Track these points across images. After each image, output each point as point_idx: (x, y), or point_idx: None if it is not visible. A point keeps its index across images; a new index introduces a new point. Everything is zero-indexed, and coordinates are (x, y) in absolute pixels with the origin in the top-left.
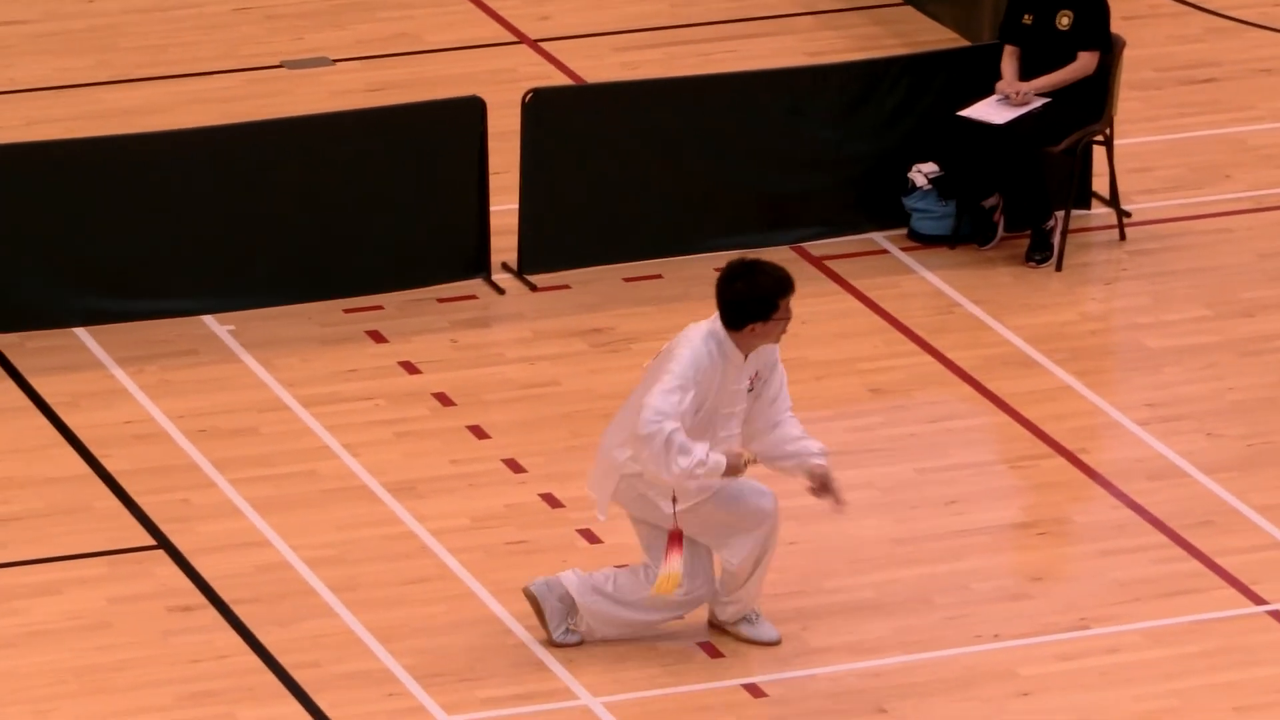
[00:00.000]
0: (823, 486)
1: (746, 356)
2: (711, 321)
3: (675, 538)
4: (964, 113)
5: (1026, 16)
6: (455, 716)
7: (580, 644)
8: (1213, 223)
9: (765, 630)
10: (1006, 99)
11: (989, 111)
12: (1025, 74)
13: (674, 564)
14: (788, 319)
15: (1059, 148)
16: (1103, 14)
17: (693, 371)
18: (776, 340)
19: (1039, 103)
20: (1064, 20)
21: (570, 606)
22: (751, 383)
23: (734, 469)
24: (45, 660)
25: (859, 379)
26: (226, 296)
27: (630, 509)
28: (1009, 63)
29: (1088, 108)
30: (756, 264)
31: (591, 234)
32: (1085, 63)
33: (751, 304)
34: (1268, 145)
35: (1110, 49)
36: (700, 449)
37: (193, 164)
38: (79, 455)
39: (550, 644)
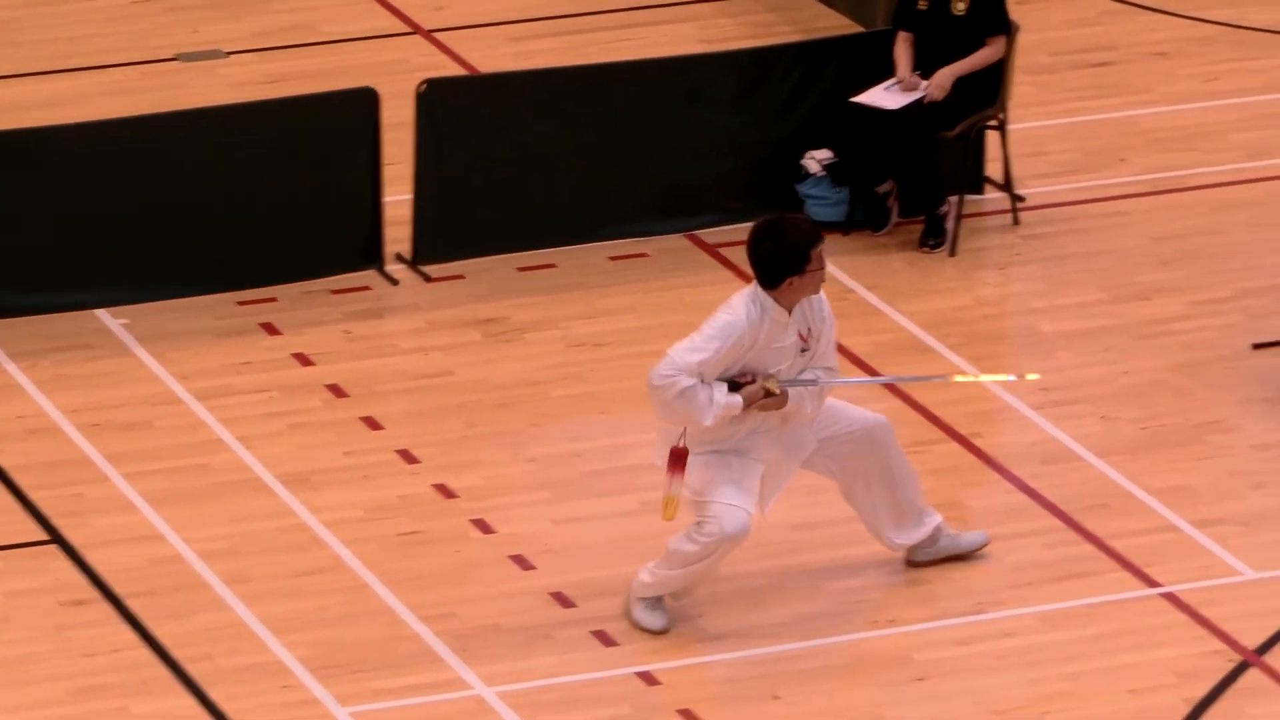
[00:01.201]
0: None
1: (790, 312)
2: (753, 285)
3: (676, 458)
4: (857, 99)
5: (922, 2)
6: (350, 708)
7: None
8: (1107, 206)
9: (655, 618)
10: (898, 84)
11: (882, 97)
12: (920, 60)
13: (674, 487)
14: (823, 268)
15: (952, 133)
16: None
17: (723, 334)
18: (817, 290)
19: (927, 84)
20: (960, 5)
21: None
22: (804, 340)
23: (753, 399)
24: None
25: None
26: (120, 290)
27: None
28: (903, 49)
29: (981, 93)
30: (781, 220)
31: (485, 224)
32: (995, 48)
33: (784, 260)
34: (1162, 128)
35: (1009, 31)
36: (715, 391)
37: (86, 158)
38: None
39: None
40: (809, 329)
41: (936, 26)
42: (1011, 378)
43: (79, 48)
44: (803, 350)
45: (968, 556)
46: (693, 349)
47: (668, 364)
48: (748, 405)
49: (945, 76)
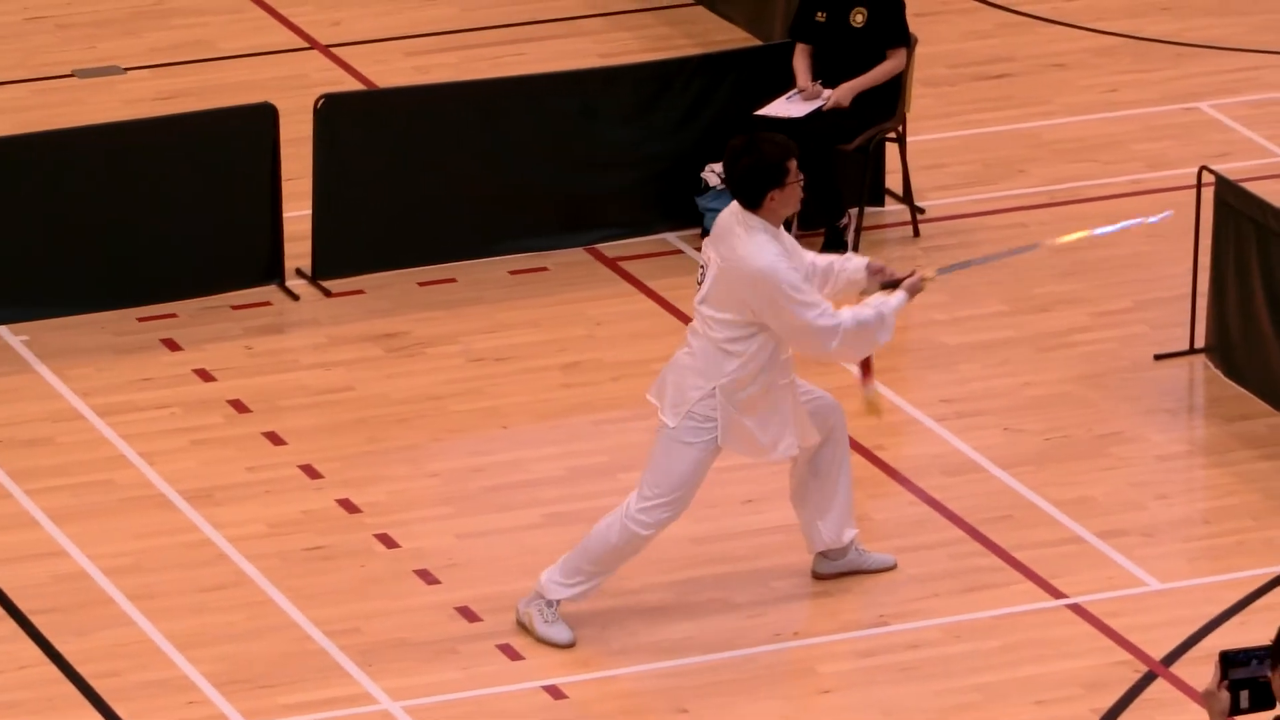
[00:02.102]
0: (882, 271)
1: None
2: (735, 214)
3: (865, 367)
4: (761, 112)
5: (820, 14)
6: None
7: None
8: (1007, 218)
9: (559, 632)
10: (800, 94)
11: (785, 107)
12: (819, 72)
13: (869, 391)
14: (800, 180)
15: (852, 145)
16: (900, 10)
17: (778, 258)
18: (797, 205)
19: (828, 93)
20: (858, 18)
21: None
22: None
23: (915, 289)
24: None
25: (655, 381)
26: (19, 307)
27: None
28: (802, 60)
29: (881, 105)
30: (754, 137)
31: (385, 239)
32: (897, 60)
33: (764, 173)
34: (1062, 140)
35: (910, 44)
36: (878, 306)
37: None
38: None
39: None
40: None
41: (835, 38)
42: (1131, 222)
43: None
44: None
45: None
46: (800, 306)
47: (814, 331)
48: (913, 296)
49: (845, 93)
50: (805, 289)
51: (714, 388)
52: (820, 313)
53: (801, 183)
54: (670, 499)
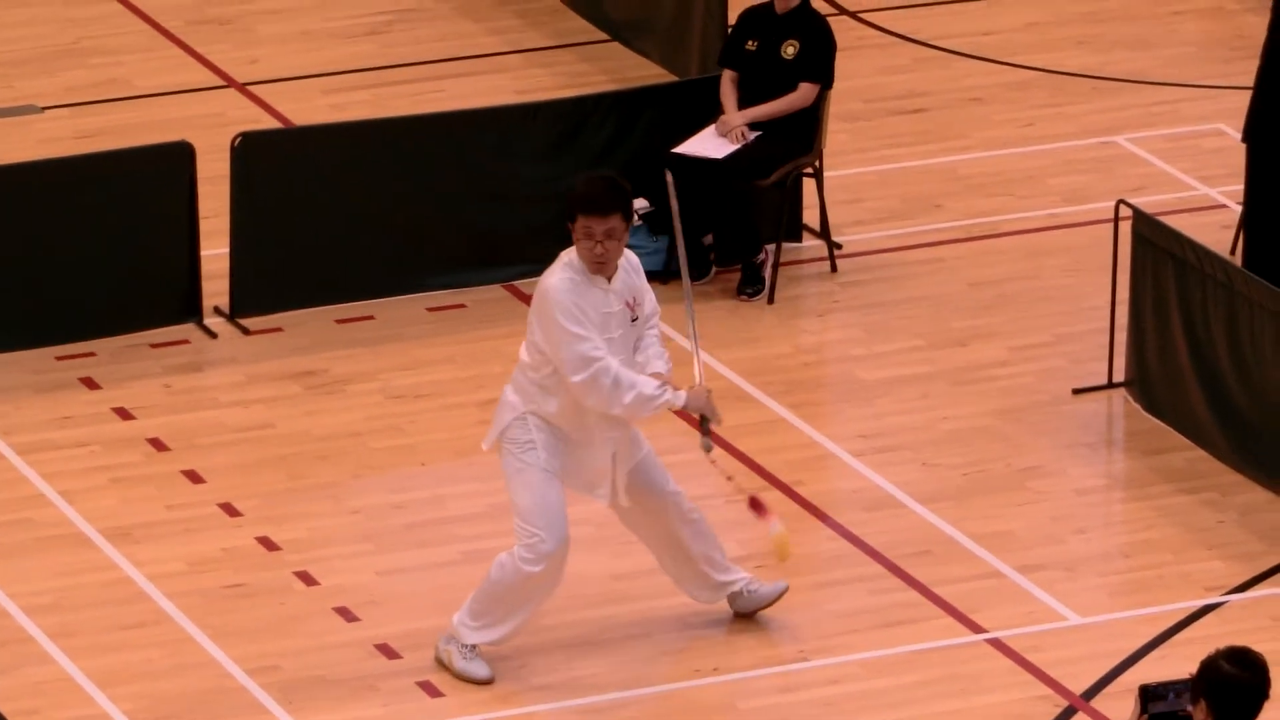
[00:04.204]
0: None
1: (610, 280)
2: (569, 254)
3: (755, 505)
4: (679, 149)
5: (750, 43)
6: None
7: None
8: (924, 253)
9: (478, 668)
10: (720, 126)
11: (705, 146)
12: (745, 101)
13: (774, 528)
14: (588, 238)
15: (768, 181)
16: (829, 47)
17: (565, 283)
18: (586, 259)
19: (753, 136)
20: (789, 50)
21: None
22: (631, 309)
23: (699, 403)
24: None
25: None
26: None
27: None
28: (728, 89)
29: (797, 140)
30: (588, 175)
31: (303, 276)
32: (805, 93)
33: (568, 204)
34: (978, 174)
35: (831, 83)
36: (645, 382)
37: None
38: None
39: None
40: (634, 298)
41: (763, 68)
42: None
43: None
44: (633, 320)
45: (770, 605)
46: (574, 332)
47: (572, 354)
48: (691, 408)
49: (740, 119)
50: (584, 322)
51: (525, 412)
52: (590, 344)
53: (590, 241)
54: (537, 528)
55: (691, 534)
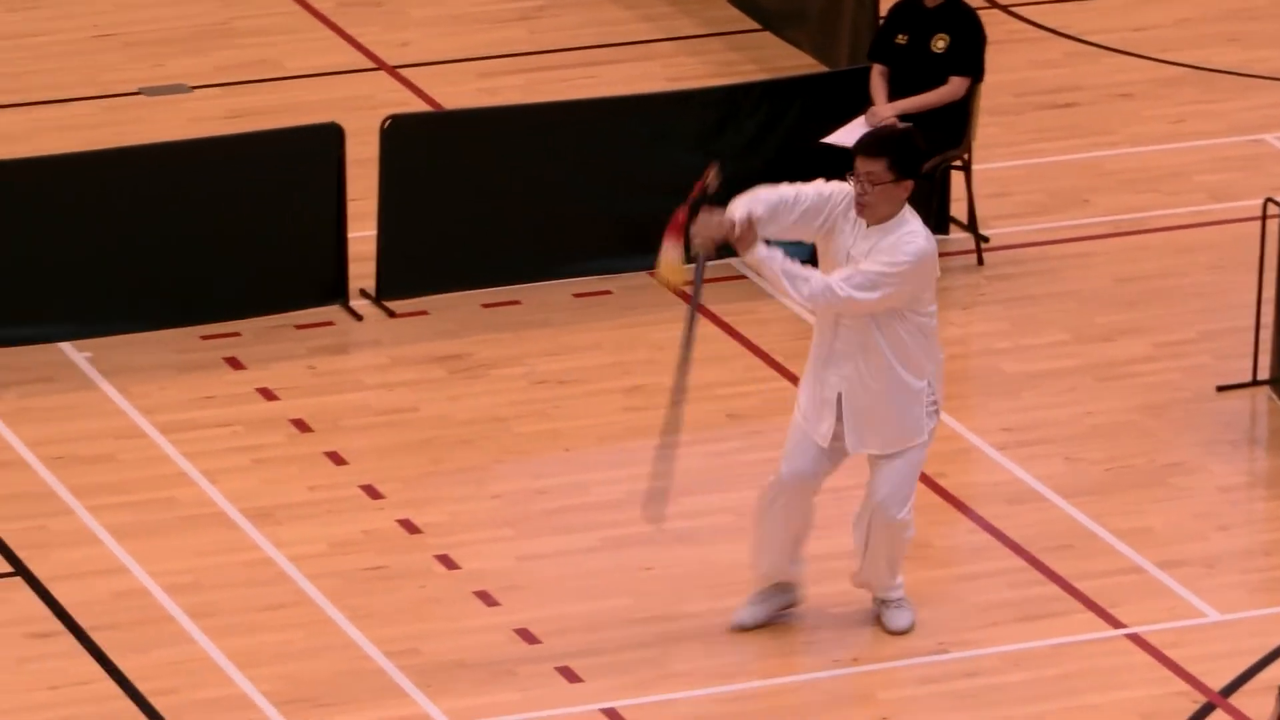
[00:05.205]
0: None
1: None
2: None
3: (673, 225)
4: (827, 139)
5: (901, 36)
6: None
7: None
8: (1071, 247)
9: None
10: (874, 124)
11: (854, 136)
12: (894, 95)
13: (666, 252)
14: (854, 177)
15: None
16: (979, 40)
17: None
18: (857, 199)
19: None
20: (939, 43)
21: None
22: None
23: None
24: None
25: (717, 404)
26: (84, 323)
27: None
28: (878, 82)
29: (947, 133)
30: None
31: (450, 260)
32: (955, 87)
33: None
34: (1126, 170)
35: (982, 77)
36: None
37: (50, 191)
38: None
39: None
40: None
41: (914, 62)
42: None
43: (38, 81)
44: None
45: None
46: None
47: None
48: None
49: (890, 111)
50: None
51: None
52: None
53: (855, 183)
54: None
55: (809, 526)
